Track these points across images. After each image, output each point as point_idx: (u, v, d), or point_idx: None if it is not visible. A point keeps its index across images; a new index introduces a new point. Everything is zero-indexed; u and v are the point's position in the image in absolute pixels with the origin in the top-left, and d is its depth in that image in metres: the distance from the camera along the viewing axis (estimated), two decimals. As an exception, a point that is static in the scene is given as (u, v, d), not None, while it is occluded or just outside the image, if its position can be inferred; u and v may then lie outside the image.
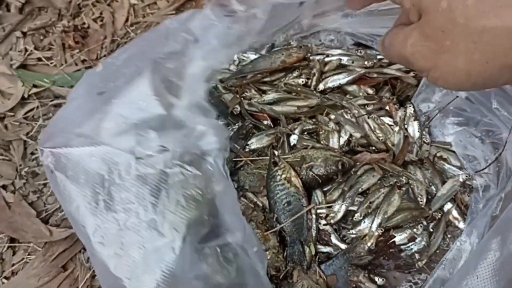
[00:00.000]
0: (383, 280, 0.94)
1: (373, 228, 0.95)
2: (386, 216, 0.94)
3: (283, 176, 0.97)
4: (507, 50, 0.46)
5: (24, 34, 1.45)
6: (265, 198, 0.99)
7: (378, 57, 1.18)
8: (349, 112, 1.07)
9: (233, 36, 0.79)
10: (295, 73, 1.17)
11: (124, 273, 0.68)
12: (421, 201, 0.97)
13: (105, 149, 0.68)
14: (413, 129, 1.05)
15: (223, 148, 0.81)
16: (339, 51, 1.19)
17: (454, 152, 1.03)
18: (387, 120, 1.07)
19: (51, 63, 1.39)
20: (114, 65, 0.79)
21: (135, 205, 0.71)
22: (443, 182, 1.00)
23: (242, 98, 1.13)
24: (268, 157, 1.02)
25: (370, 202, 0.97)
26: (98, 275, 0.79)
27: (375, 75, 1.13)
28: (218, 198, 0.76)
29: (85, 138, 0.70)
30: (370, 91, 1.11)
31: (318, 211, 0.97)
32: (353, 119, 1.06)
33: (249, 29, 0.80)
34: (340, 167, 0.97)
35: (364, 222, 0.95)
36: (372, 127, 1.05)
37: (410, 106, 1.06)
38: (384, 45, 0.58)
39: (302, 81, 1.14)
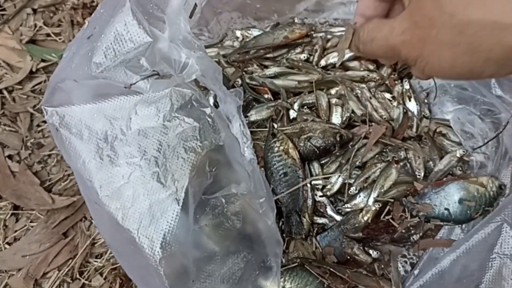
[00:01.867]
0: (377, 253, 0.94)
1: (370, 203, 0.93)
2: (382, 190, 0.93)
3: (281, 147, 0.97)
4: (491, 43, 0.46)
5: (35, 10, 1.48)
6: (263, 169, 0.99)
7: None
8: (352, 88, 1.07)
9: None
10: (298, 49, 1.18)
11: (131, 224, 0.69)
12: (418, 175, 0.97)
13: (99, 82, 0.69)
14: (412, 104, 1.05)
15: (217, 86, 0.81)
16: (341, 29, 1.19)
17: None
18: (387, 95, 1.07)
19: (60, 38, 1.41)
20: (98, 12, 0.80)
21: (138, 159, 0.72)
22: (442, 158, 1.00)
23: (243, 72, 1.14)
24: (267, 129, 1.01)
25: (367, 177, 0.97)
26: (104, 233, 0.80)
27: None
28: (220, 149, 0.76)
29: (84, 88, 0.71)
30: (371, 67, 1.11)
31: (315, 182, 0.97)
32: (356, 95, 1.06)
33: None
34: (338, 139, 0.97)
35: (360, 196, 0.95)
36: (375, 106, 1.05)
37: (406, 81, 1.06)
38: (362, 41, 0.58)
39: (304, 57, 1.14)
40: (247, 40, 1.21)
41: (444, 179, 0.95)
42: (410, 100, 1.06)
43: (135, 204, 0.68)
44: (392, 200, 0.95)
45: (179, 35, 0.78)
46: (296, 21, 1.25)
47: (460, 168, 0.96)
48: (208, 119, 0.76)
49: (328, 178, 0.98)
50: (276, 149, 0.97)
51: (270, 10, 1.27)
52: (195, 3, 0.85)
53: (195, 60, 0.75)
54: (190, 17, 0.85)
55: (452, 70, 0.49)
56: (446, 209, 0.89)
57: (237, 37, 1.25)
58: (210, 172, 0.72)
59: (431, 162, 1.00)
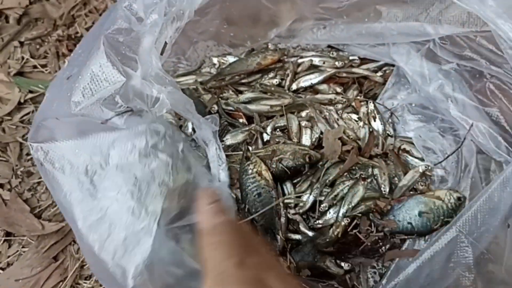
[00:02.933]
0: (348, 265, 1.00)
1: (339, 218, 0.98)
2: (351, 206, 0.98)
3: (255, 170, 1.03)
4: None
5: (21, 43, 1.54)
6: (239, 190, 1.05)
7: (351, 58, 1.25)
8: (320, 111, 1.14)
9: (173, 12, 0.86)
10: (271, 74, 1.24)
11: (106, 255, 0.73)
12: (384, 191, 1.03)
13: (78, 119, 0.75)
14: (377, 124, 1.12)
15: (190, 116, 0.88)
16: (312, 53, 1.26)
17: (416, 145, 1.09)
18: (354, 116, 1.13)
19: (46, 70, 1.48)
20: (76, 53, 0.87)
21: (115, 193, 0.78)
22: (406, 173, 1.06)
23: (219, 98, 1.20)
24: (242, 153, 1.08)
25: (336, 194, 1.03)
26: (87, 259, 0.86)
27: (344, 75, 1.20)
28: (189, 181, 0.83)
29: (65, 125, 0.77)
30: (338, 89, 1.18)
31: (287, 201, 1.01)
32: (324, 117, 1.13)
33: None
34: (307, 160, 1.03)
35: (330, 212, 1.00)
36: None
37: (371, 103, 1.13)
38: None
39: (276, 82, 1.21)
40: (223, 67, 1.28)
41: (405, 195, 1.02)
42: (375, 120, 1.13)
43: (111, 236, 0.73)
44: (360, 215, 1.01)
45: (151, 72, 0.85)
46: (269, 46, 1.32)
47: (423, 183, 1.02)
48: (180, 153, 0.82)
49: (300, 196, 1.04)
50: (250, 171, 1.03)
51: (244, 37, 1.34)
52: (165, 42, 0.92)
53: (166, 95, 0.82)
54: (161, 54, 0.92)
55: None
56: (409, 223, 0.95)
57: (214, 64, 1.32)
58: (178, 203, 0.78)
59: (396, 178, 1.06)
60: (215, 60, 1.32)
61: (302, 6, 1.24)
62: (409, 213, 0.95)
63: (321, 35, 1.26)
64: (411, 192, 1.03)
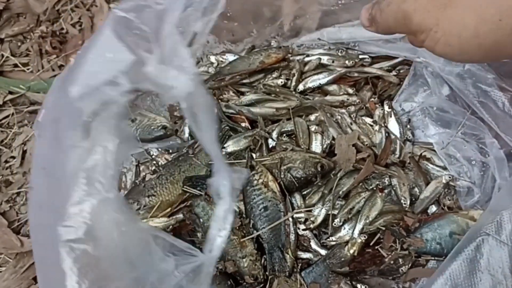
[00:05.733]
0: (365, 287, 0.90)
1: (355, 235, 0.89)
2: (368, 221, 0.90)
3: (260, 180, 0.93)
4: None
5: (1, 40, 1.42)
6: (242, 203, 0.95)
7: (360, 56, 1.14)
8: (332, 114, 1.03)
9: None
10: (275, 74, 1.13)
11: None
12: (404, 203, 0.93)
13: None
14: (394, 127, 1.02)
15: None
16: (319, 51, 1.16)
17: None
18: (368, 120, 1.03)
19: (28, 69, 1.36)
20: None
21: None
22: (428, 183, 0.96)
23: (219, 100, 1.10)
24: (245, 161, 0.97)
25: (351, 208, 0.93)
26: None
27: (355, 75, 1.10)
28: None
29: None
30: (350, 91, 1.07)
31: (297, 215, 0.92)
32: (336, 121, 1.03)
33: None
34: (319, 169, 0.93)
35: (345, 228, 0.91)
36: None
37: (387, 104, 1.03)
38: (381, 8, 0.51)
39: (281, 82, 1.10)
40: (223, 65, 1.17)
41: (435, 211, 0.92)
42: (392, 124, 1.02)
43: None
44: (383, 228, 0.91)
45: (172, 57, 0.71)
46: (272, 44, 1.21)
47: (450, 197, 0.92)
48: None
49: (310, 210, 0.94)
50: (255, 182, 0.93)
51: (245, 34, 1.23)
52: (194, 32, 0.79)
53: (184, 85, 0.68)
54: (190, 46, 0.78)
55: (472, 41, 0.42)
56: (438, 243, 0.86)
57: (212, 63, 1.21)
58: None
59: (416, 189, 0.96)
60: (213, 58, 1.21)
61: (307, 0, 1.14)
62: (439, 232, 0.86)
63: (329, 31, 1.15)
64: (442, 210, 0.92)
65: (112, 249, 0.70)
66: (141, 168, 1.07)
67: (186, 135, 1.08)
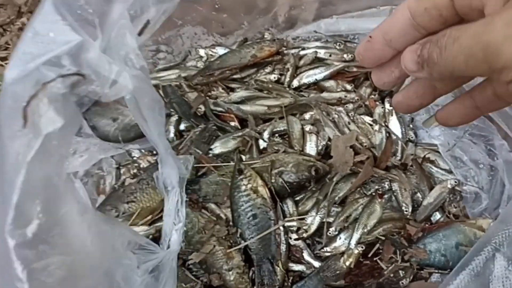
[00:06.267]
0: (363, 302, 0.82)
1: (352, 245, 0.82)
2: (366, 230, 0.83)
3: (249, 185, 0.85)
4: None
5: (-20, 33, 1.34)
6: (229, 210, 0.87)
7: None
8: (328, 113, 0.96)
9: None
10: (268, 69, 1.06)
11: None
12: (406, 210, 0.86)
13: None
14: (395, 127, 0.95)
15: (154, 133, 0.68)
16: (316, 44, 1.09)
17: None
18: (367, 119, 0.96)
19: (6, 63, 1.28)
20: None
21: None
22: (431, 188, 0.89)
23: (207, 97, 1.02)
24: (233, 164, 0.89)
25: (348, 216, 0.86)
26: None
27: (354, 69, 1.03)
28: None
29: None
30: (349, 87, 1.00)
31: (289, 224, 0.85)
32: (333, 120, 0.95)
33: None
34: (313, 173, 0.85)
35: (340, 238, 0.84)
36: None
37: (388, 101, 0.95)
38: (440, 46, 0.39)
39: (275, 77, 1.03)
40: (212, 60, 1.09)
41: (440, 219, 0.85)
42: (393, 123, 0.95)
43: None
44: (383, 238, 0.84)
45: (117, 47, 0.63)
46: (265, 36, 1.14)
47: (456, 204, 0.84)
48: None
49: (303, 218, 0.87)
50: (244, 187, 0.85)
51: (237, 26, 1.15)
52: (147, 20, 0.71)
53: (128, 78, 0.61)
54: (139, 34, 0.71)
55: None
56: (443, 255, 0.79)
57: (201, 56, 1.14)
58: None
59: (419, 194, 0.89)
60: (202, 52, 1.14)
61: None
62: (444, 243, 0.79)
63: (326, 23, 1.07)
64: (448, 219, 0.85)
65: (73, 245, 0.62)
66: (121, 171, 0.98)
67: (171, 134, 1.00)
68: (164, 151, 0.73)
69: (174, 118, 1.01)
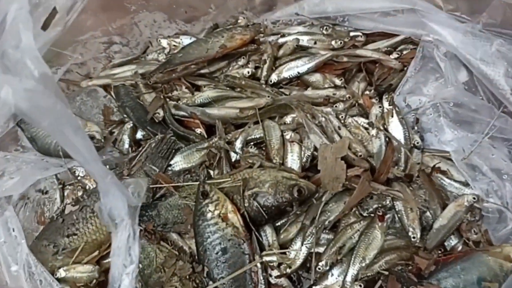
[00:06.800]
0: None
1: (348, 283, 0.68)
2: (364, 264, 0.70)
3: (216, 212, 0.70)
4: None
5: None
6: (194, 242, 0.72)
7: (351, 34, 0.92)
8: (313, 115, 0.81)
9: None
10: (241, 61, 0.91)
11: None
12: (413, 237, 0.71)
13: None
14: (397, 129, 0.79)
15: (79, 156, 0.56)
16: (298, 29, 0.93)
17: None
18: (362, 121, 0.82)
19: None
20: None
21: None
22: (444, 207, 0.74)
23: (167, 99, 0.87)
24: (196, 183, 0.74)
25: (341, 246, 0.71)
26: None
27: (345, 59, 0.88)
28: None
29: None
30: (338, 81, 0.86)
31: (268, 258, 0.71)
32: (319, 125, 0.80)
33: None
34: (295, 194, 0.71)
35: (333, 274, 0.71)
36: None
37: (387, 99, 0.80)
38: None
39: (249, 72, 0.88)
40: (175, 52, 0.94)
41: (456, 245, 0.71)
42: (394, 126, 0.79)
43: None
44: (386, 273, 0.69)
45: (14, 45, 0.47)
46: (239, 21, 0.99)
47: (475, 229, 0.68)
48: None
49: (285, 252, 0.72)
50: (210, 214, 0.71)
51: (205, 7, 0.98)
52: (54, 8, 0.54)
53: (12, 93, 0.44)
54: (44, 28, 0.54)
55: None
56: (462, 292, 0.63)
57: (163, 48, 0.99)
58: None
59: (428, 213, 0.74)
60: (164, 42, 0.99)
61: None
62: (463, 279, 0.66)
63: (310, 3, 0.91)
64: (467, 248, 0.70)
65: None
66: (65, 193, 0.82)
67: (126, 146, 0.86)
68: (102, 180, 0.62)
69: (128, 126, 0.88)
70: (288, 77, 0.88)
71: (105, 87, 0.92)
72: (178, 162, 0.79)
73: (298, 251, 0.72)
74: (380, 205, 0.74)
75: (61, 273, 0.72)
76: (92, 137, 0.81)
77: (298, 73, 0.87)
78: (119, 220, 0.66)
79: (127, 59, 0.99)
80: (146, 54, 1.00)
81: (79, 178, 0.81)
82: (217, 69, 0.91)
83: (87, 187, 0.80)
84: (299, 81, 0.89)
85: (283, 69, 0.88)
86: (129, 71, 0.94)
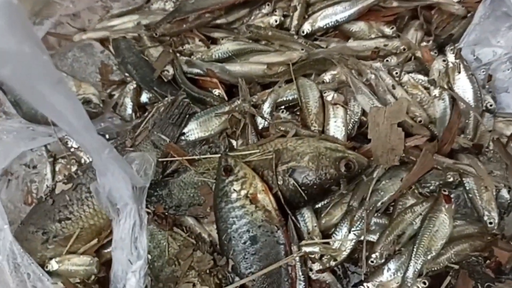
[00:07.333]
0: None
1: (409, 280, 0.58)
2: (429, 256, 0.59)
3: (242, 192, 0.60)
4: None
5: None
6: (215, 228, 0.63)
7: None
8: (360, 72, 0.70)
9: None
10: (265, 9, 0.83)
11: None
12: (490, 222, 0.61)
13: None
14: (464, 88, 0.68)
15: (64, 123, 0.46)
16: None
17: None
18: (421, 78, 0.70)
19: None
20: None
21: None
22: (523, 185, 0.64)
23: (177, 54, 0.78)
24: (217, 156, 0.64)
25: (399, 233, 0.61)
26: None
27: (395, 4, 0.77)
28: None
29: None
30: (388, 30, 0.76)
31: (308, 249, 0.61)
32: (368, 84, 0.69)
33: None
34: (343, 169, 0.61)
35: (389, 268, 0.61)
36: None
37: (451, 51, 0.68)
38: None
39: (276, 21, 0.80)
40: (184, -1, 0.87)
41: None
42: (460, 84, 0.68)
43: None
44: (456, 267, 0.59)
45: None
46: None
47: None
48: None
49: (328, 242, 0.62)
50: (235, 195, 0.60)
51: None
52: None
53: None
54: None
55: None
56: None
57: (170, -5, 0.90)
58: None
59: (504, 192, 0.63)
60: None
61: None
62: None
63: None
64: None
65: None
66: (57, 168, 0.70)
67: (129, 111, 0.76)
68: (97, 155, 0.51)
69: (131, 86, 0.78)
70: (324, 27, 0.80)
71: (102, 41, 0.83)
72: (193, 130, 0.70)
73: (344, 240, 0.63)
74: (443, 181, 0.64)
75: (53, 265, 0.63)
76: (87, 101, 0.71)
77: (337, 21, 0.79)
78: (121, 205, 0.56)
79: (127, 9, 0.88)
80: (150, 3, 0.90)
81: (72, 150, 0.71)
82: (237, 18, 0.84)
83: (82, 161, 0.68)
84: (338, 31, 0.81)
85: (317, 17, 0.80)
86: (131, 22, 0.84)
